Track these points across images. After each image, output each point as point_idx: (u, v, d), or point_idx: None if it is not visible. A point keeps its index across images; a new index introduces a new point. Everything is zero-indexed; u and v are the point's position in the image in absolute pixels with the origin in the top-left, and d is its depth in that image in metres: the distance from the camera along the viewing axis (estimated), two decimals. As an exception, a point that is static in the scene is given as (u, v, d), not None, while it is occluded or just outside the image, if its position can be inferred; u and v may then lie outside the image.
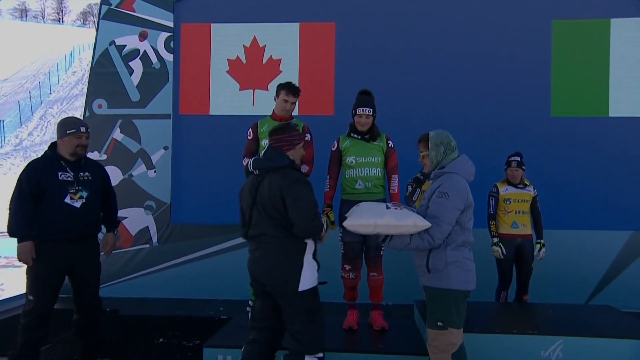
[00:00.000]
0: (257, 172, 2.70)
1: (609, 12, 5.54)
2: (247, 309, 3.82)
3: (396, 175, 3.72)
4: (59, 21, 74.34)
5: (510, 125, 5.62)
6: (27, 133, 24.43)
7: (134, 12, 6.02)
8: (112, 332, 4.25)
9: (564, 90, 5.60)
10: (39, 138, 23.60)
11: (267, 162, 2.68)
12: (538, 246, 4.52)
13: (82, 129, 3.48)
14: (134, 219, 5.88)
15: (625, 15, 5.52)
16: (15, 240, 3.31)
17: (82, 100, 27.51)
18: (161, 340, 4.26)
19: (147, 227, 5.93)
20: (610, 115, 5.55)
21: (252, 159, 2.80)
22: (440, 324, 2.66)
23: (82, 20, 77.93)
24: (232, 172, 5.88)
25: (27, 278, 3.38)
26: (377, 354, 3.16)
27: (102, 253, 3.67)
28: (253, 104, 5.96)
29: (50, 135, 23.62)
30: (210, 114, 6.00)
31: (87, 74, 31.34)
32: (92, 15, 78.27)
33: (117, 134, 5.97)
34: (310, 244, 2.73)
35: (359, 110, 3.62)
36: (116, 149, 5.94)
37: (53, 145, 3.50)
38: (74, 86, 29.59)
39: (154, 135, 5.96)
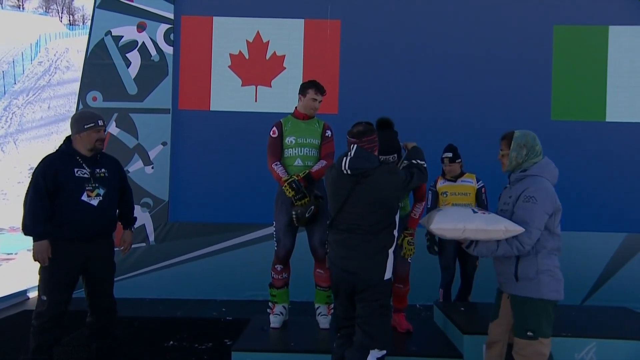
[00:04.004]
0: (351, 172, 2.77)
1: (607, 19, 5.71)
2: (268, 310, 3.73)
3: (422, 203, 3.67)
4: (19, 8, 71.17)
5: (512, 128, 5.66)
6: (-10, 124, 23.26)
7: (132, 1, 5.80)
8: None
9: (564, 93, 5.73)
10: (3, 130, 22.47)
11: (368, 164, 2.78)
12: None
13: (100, 122, 3.33)
14: (129, 216, 5.67)
15: (622, 22, 5.69)
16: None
17: (50, 92, 26.53)
18: (171, 343, 4.11)
19: (144, 225, 5.74)
20: (607, 120, 5.72)
21: (349, 160, 2.77)
22: (530, 333, 2.61)
23: (44, 8, 74.88)
24: (233, 169, 5.81)
25: (40, 278, 3.20)
26: (412, 357, 3.13)
27: (117, 248, 3.51)
28: (256, 101, 5.84)
29: (16, 127, 22.59)
30: (210, 109, 5.85)
31: (54, 65, 30.14)
32: (56, 4, 75.44)
33: (113, 128, 5.75)
34: (395, 236, 2.85)
35: (382, 158, 3.25)
36: (112, 144, 5.65)
37: (68, 140, 3.32)
38: (41, 77, 28.34)
39: (152, 130, 5.78)
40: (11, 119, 23.38)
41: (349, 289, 2.80)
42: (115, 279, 5.60)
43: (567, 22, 5.75)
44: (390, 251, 2.81)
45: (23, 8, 71.00)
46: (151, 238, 5.75)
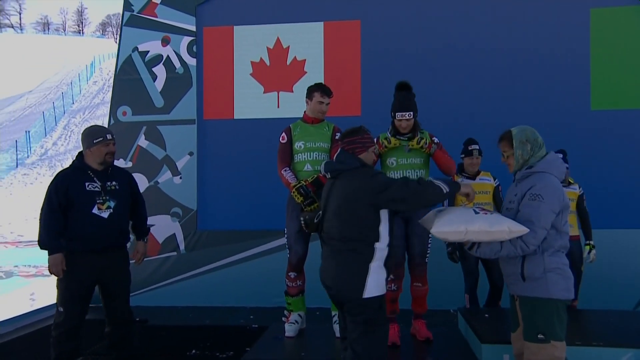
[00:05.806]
0: (329, 175, 2.66)
1: (651, -2, 5.26)
2: (283, 318, 3.67)
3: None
4: (79, 33, 75.80)
5: (549, 121, 5.29)
6: (51, 143, 24.85)
7: (156, 17, 5.94)
8: (142, 342, 4.13)
9: (604, 82, 5.32)
10: (63, 147, 23.97)
11: (338, 165, 2.63)
12: (587, 248, 4.26)
13: (109, 137, 3.40)
14: (160, 226, 5.79)
15: (669, 0, 5.22)
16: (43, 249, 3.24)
17: (103, 109, 27.96)
18: (193, 351, 4.14)
19: (174, 234, 5.84)
20: (655, 107, 5.26)
21: (324, 163, 2.73)
22: (542, 336, 2.45)
23: (101, 31, 79.38)
24: (259, 176, 5.79)
25: (58, 290, 3.31)
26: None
27: (132, 261, 3.57)
28: (278, 107, 5.82)
29: (74, 144, 23.97)
30: (234, 118, 5.89)
31: (107, 83, 31.87)
32: (111, 26, 79.80)
33: (142, 141, 5.90)
34: (381, 250, 2.57)
35: (398, 115, 3.41)
36: (141, 156, 5.87)
37: (80, 156, 3.42)
38: (95, 95, 30.06)
39: (179, 141, 5.87)
40: (70, 136, 24.86)
41: (334, 300, 2.68)
42: (148, 288, 5.81)
43: (605, 4, 5.35)
44: (373, 265, 2.53)
45: (83, 33, 75.55)
46: (182, 247, 5.84)
